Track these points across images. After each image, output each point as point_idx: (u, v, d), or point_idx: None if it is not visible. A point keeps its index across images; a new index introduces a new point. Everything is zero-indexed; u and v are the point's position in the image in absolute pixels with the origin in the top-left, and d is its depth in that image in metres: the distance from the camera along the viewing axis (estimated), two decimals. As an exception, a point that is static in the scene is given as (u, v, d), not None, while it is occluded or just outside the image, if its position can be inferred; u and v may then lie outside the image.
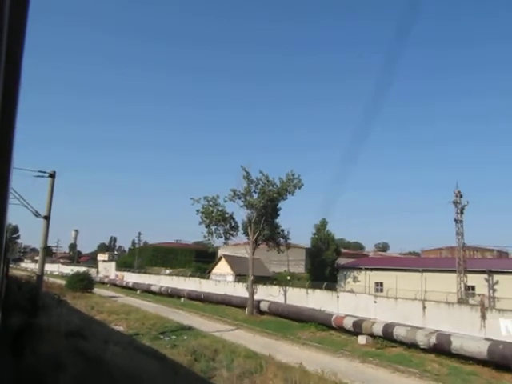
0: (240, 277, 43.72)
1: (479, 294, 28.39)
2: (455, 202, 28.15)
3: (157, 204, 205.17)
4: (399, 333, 20.77)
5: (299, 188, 31.56)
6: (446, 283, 31.51)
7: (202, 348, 17.60)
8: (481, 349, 17.22)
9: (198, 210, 32.35)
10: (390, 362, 18.61)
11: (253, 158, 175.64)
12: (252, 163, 51.78)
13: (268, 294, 34.99)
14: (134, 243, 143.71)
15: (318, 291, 31.81)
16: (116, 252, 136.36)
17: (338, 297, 29.47)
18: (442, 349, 18.77)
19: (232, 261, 47.52)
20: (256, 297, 34.53)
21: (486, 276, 31.43)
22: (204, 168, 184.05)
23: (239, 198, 31.40)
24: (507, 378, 16.48)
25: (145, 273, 59.31)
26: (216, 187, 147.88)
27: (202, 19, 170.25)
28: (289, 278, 51.97)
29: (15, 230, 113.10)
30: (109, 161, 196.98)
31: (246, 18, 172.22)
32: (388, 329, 21.35)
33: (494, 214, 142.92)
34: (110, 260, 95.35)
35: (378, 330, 21.88)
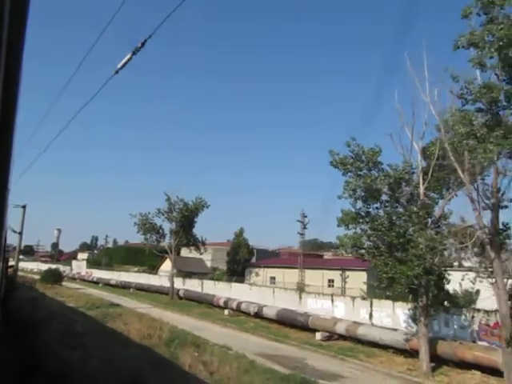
0: (179, 272, 56.24)
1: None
2: (300, 221, 40.85)
3: (141, 205, 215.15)
4: (244, 307, 33.33)
5: (207, 208, 44.26)
6: (313, 277, 44.51)
7: (112, 312, 29.82)
8: (274, 313, 29.81)
9: (135, 223, 44.66)
10: (229, 322, 31.00)
11: (250, 158, 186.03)
12: (178, 188, 67.54)
13: (192, 286, 47.59)
14: (115, 242, 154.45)
15: (221, 283, 44.44)
16: (96, 251, 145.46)
17: (231, 287, 42.06)
18: (259, 315, 31.33)
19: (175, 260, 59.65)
20: (184, 287, 47.27)
21: (340, 272, 44.44)
22: (199, 168, 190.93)
23: (163, 215, 43.85)
24: (285, 330, 28.96)
25: (110, 270, 71.47)
26: (214, 187, 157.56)
27: (201, 19, 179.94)
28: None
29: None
30: (100, 160, 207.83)
31: (245, 19, 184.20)
32: (239, 305, 33.90)
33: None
34: (89, 258, 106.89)
35: (235, 305, 34.42)
